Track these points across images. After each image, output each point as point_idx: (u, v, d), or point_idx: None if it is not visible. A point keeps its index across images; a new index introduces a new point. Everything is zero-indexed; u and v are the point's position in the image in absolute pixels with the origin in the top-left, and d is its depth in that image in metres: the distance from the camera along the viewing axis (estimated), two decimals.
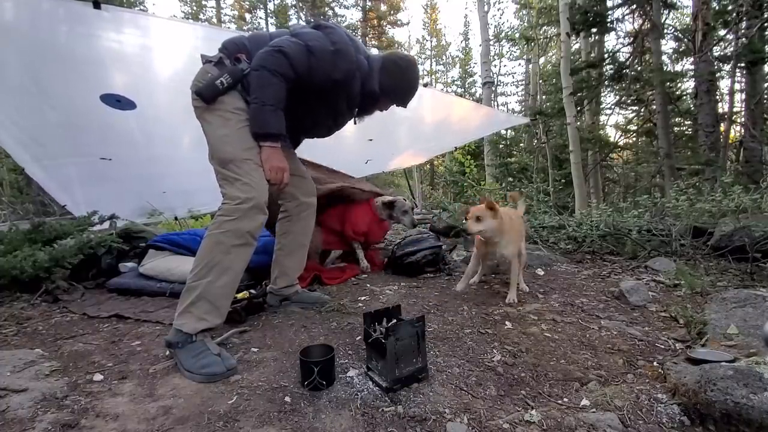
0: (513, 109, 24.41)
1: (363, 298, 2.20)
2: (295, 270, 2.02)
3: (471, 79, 23.88)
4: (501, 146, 13.11)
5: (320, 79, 1.61)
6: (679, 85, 9.27)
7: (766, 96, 7.27)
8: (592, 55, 10.77)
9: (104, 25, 2.48)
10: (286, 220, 1.96)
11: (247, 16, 22.33)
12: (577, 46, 11.72)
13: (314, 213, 2.01)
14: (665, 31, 8.61)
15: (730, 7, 6.77)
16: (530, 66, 18.97)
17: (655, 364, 1.37)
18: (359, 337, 1.57)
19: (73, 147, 3.21)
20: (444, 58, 27.46)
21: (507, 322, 1.77)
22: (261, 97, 1.51)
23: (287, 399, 1.19)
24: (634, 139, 12.66)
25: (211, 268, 1.44)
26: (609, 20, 7.91)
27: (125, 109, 2.97)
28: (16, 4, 2.37)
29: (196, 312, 1.41)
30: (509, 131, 14.26)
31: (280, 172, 1.61)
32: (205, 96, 1.54)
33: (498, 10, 24.32)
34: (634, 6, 7.88)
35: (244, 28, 20.48)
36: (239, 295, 2.02)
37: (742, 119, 8.28)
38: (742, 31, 7.07)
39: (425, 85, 4.49)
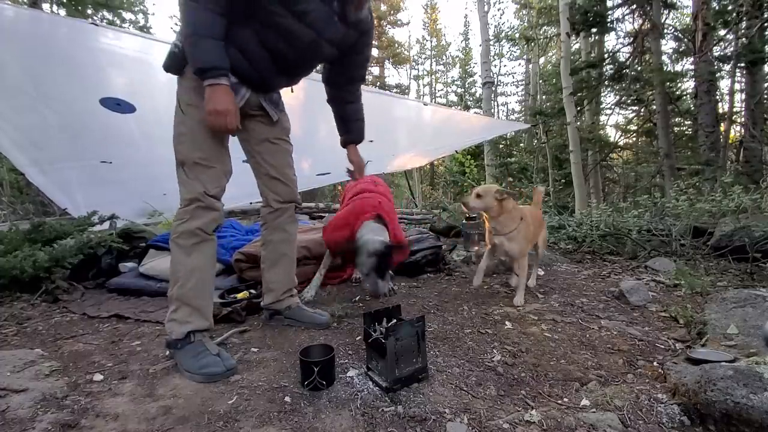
0: (513, 108, 24.47)
1: (363, 298, 2.19)
2: (282, 283, 1.77)
3: (471, 79, 23.88)
4: (501, 146, 13.11)
5: None
6: (679, 85, 9.27)
7: (766, 96, 7.27)
8: (592, 55, 10.77)
9: (103, 29, 2.49)
10: (264, 228, 1.76)
11: None
12: (577, 46, 11.71)
13: (293, 219, 1.78)
14: (665, 31, 8.61)
15: (730, 7, 6.76)
16: (530, 66, 18.98)
17: (655, 364, 1.37)
18: (359, 337, 1.57)
19: (74, 150, 3.21)
20: (444, 58, 27.45)
21: (507, 322, 1.77)
22: (184, 32, 1.34)
23: (287, 399, 1.19)
24: (634, 139, 12.66)
25: (179, 274, 1.43)
26: (609, 20, 7.90)
27: (125, 112, 2.97)
28: (17, 12, 2.38)
29: (178, 318, 1.42)
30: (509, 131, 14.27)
31: (220, 117, 1.36)
32: (165, 67, 1.46)
33: (498, 10, 24.33)
34: (634, 6, 7.88)
35: None
36: (239, 295, 2.03)
37: (742, 119, 8.28)
38: (742, 31, 7.07)
39: (425, 104, 4.55)
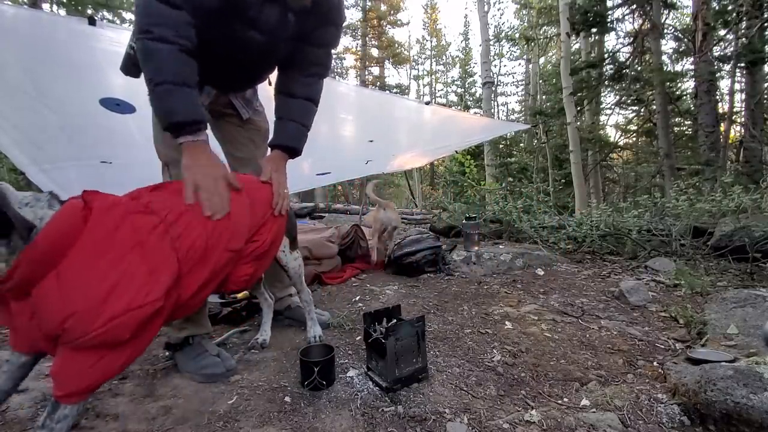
0: (513, 108, 24.47)
1: (363, 298, 2.19)
2: (281, 284, 1.74)
3: (471, 79, 23.86)
4: (501, 146, 13.10)
5: None
6: (679, 85, 9.27)
7: (766, 96, 7.27)
8: (592, 55, 10.77)
9: (103, 29, 2.49)
10: None
11: None
12: (577, 46, 11.71)
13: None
14: (665, 31, 8.61)
15: (730, 7, 6.76)
16: (530, 66, 18.97)
17: (655, 364, 1.37)
18: (359, 337, 1.57)
19: (73, 150, 3.21)
20: (444, 58, 27.45)
21: (507, 322, 1.77)
22: (147, 76, 1.10)
23: (287, 399, 1.19)
24: (634, 139, 12.65)
25: None
26: (609, 20, 7.90)
27: (125, 112, 2.97)
28: (17, 12, 2.39)
29: (174, 323, 1.39)
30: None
31: (208, 179, 1.10)
32: (123, 70, 1.32)
33: (498, 10, 24.30)
34: (634, 6, 7.88)
35: None
36: (239, 295, 2.02)
37: (742, 119, 8.28)
38: (742, 31, 7.07)
39: (427, 103, 4.55)
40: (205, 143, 1.16)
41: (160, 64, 1.08)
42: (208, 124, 1.19)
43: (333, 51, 1.51)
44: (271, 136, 1.47)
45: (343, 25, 1.49)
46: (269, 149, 1.46)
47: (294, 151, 1.44)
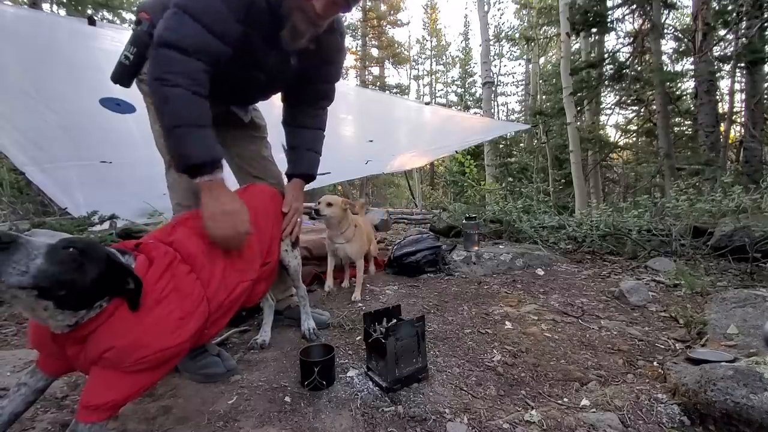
0: (513, 108, 24.46)
1: (363, 298, 2.19)
2: (281, 284, 1.72)
3: (471, 79, 23.84)
4: (501, 146, 13.09)
5: (231, 34, 1.16)
6: (679, 85, 9.26)
7: (766, 96, 7.26)
8: (592, 55, 10.76)
9: (102, 30, 2.50)
10: None
11: None
12: (577, 46, 11.70)
13: None
14: (665, 31, 8.60)
15: (730, 7, 6.75)
16: (530, 66, 18.95)
17: (655, 364, 1.37)
18: (359, 337, 1.57)
19: (74, 150, 3.21)
20: (444, 58, 27.44)
21: (507, 322, 1.77)
22: (163, 121, 1.13)
23: (287, 399, 1.19)
24: (634, 139, 12.65)
25: None
26: (609, 20, 7.90)
27: (125, 112, 2.97)
28: (16, 13, 2.39)
29: None
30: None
31: (228, 218, 1.14)
32: (114, 79, 1.33)
33: (498, 10, 24.23)
34: (634, 6, 7.87)
35: None
36: None
37: (742, 119, 8.28)
38: (742, 31, 7.06)
39: (427, 104, 4.56)
40: (223, 181, 1.18)
41: (175, 108, 1.11)
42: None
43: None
44: (287, 165, 1.57)
45: (345, 61, 1.62)
46: (287, 178, 1.58)
47: (311, 178, 1.58)
